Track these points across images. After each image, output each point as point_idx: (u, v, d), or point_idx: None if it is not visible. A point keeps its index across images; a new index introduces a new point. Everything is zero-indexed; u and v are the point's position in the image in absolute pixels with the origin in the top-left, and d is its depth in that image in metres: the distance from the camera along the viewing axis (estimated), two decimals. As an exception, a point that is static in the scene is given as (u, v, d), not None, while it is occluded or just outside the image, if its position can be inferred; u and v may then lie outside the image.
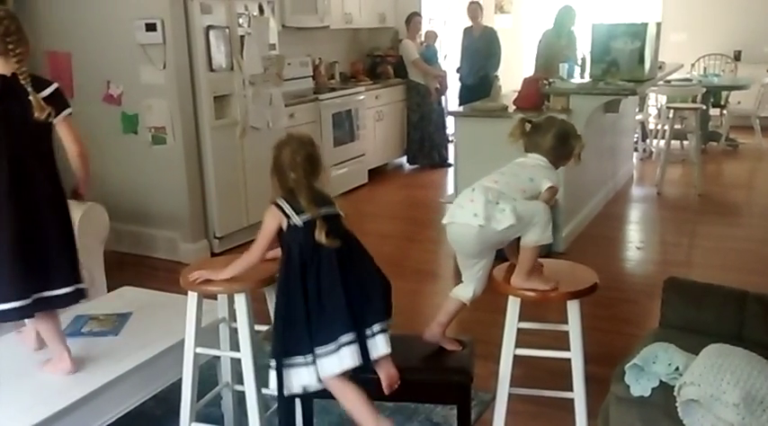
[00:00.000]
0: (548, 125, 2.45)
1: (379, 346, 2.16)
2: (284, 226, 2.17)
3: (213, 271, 2.28)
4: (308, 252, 2.15)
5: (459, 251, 2.38)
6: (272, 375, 2.16)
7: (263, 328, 2.46)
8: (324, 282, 2.14)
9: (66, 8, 5.00)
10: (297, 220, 2.16)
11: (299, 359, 2.13)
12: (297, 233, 2.16)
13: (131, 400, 2.50)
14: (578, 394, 2.37)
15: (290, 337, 2.14)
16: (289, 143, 2.22)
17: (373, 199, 6.80)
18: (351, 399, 2.18)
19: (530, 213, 2.24)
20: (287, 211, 2.17)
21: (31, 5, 5.13)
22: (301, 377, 2.14)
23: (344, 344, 2.10)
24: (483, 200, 2.24)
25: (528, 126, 2.44)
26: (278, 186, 2.22)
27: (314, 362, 2.13)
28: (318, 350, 2.12)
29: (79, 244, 3.64)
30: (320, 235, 2.13)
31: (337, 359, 2.10)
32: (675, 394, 1.95)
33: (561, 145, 2.41)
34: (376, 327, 2.17)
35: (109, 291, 3.53)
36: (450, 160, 7.38)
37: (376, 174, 7.47)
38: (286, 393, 2.17)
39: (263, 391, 2.32)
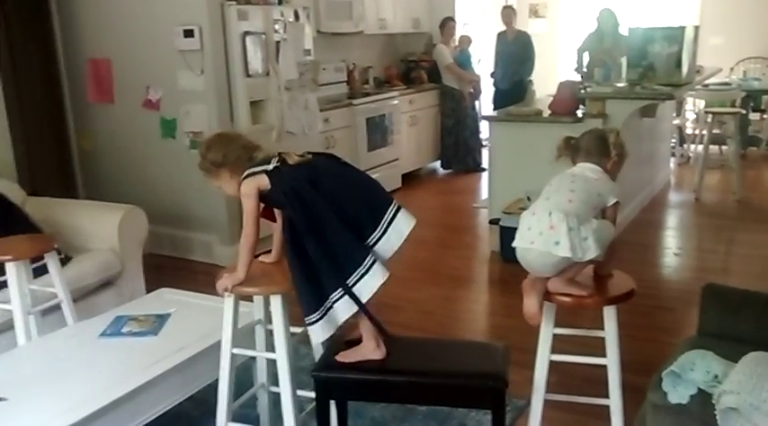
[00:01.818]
0: (586, 133, 2.51)
1: (403, 224, 2.27)
2: (265, 184, 2.20)
3: (230, 275, 2.28)
4: (299, 183, 2.17)
5: (534, 273, 2.31)
6: (314, 329, 2.16)
7: (299, 330, 2.48)
8: (331, 196, 2.17)
9: (106, 16, 5.11)
10: (270, 166, 2.21)
11: (337, 292, 2.15)
12: (278, 176, 2.19)
13: (169, 400, 2.54)
14: (614, 401, 2.35)
15: (322, 278, 2.15)
16: (222, 138, 2.34)
17: (407, 204, 6.67)
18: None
19: (606, 238, 2.23)
20: (257, 170, 2.21)
21: (73, 14, 5.26)
22: (343, 310, 2.17)
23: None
24: (565, 229, 2.18)
25: (572, 141, 2.48)
26: (232, 173, 2.26)
27: (353, 286, 2.16)
28: (357, 272, 2.15)
29: (120, 247, 3.76)
30: (292, 158, 2.22)
31: (372, 276, 2.17)
32: (714, 402, 1.93)
33: (601, 142, 2.44)
34: (392, 211, 2.25)
35: (147, 293, 3.60)
36: (485, 165, 7.36)
37: (410, 179, 7.48)
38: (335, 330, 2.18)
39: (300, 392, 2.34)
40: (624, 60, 6.31)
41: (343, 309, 2.17)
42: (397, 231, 2.25)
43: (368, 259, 2.16)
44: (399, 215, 2.27)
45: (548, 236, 2.19)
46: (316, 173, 2.22)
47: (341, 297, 2.16)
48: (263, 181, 2.21)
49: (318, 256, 2.15)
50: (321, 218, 2.15)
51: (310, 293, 2.17)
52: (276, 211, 2.37)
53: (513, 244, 2.32)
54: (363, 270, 2.16)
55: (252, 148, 2.29)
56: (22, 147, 4.93)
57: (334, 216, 2.15)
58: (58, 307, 3.14)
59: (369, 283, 2.17)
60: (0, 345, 3.04)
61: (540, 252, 2.21)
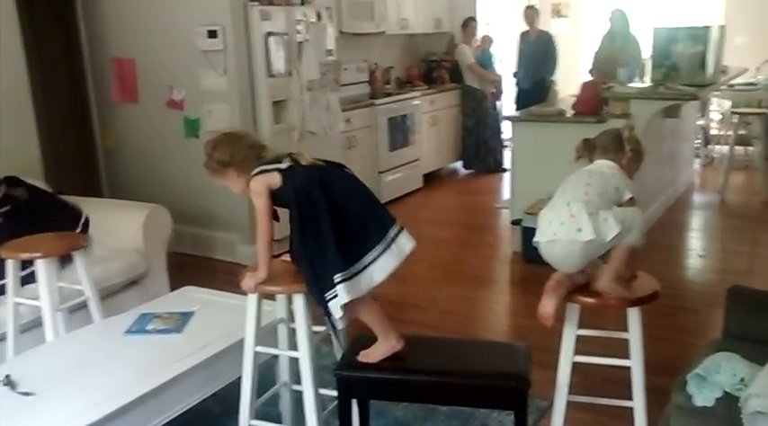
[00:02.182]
0: (602, 132, 2.56)
1: (405, 243, 2.29)
2: (276, 182, 2.22)
3: (253, 275, 2.30)
4: (310, 183, 2.20)
5: (561, 267, 2.32)
6: (333, 305, 2.19)
7: (321, 328, 2.49)
8: (341, 195, 2.22)
9: (130, 16, 5.16)
10: (283, 165, 2.24)
11: (355, 266, 2.19)
12: (292, 175, 2.22)
13: (193, 397, 2.56)
14: (638, 402, 2.33)
15: (338, 257, 2.17)
16: (230, 137, 2.35)
17: (428, 204, 6.81)
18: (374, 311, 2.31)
19: (629, 217, 2.24)
20: (270, 168, 2.24)
21: (98, 14, 5.32)
22: (371, 276, 2.21)
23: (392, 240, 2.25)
24: (586, 215, 2.21)
25: (589, 142, 2.52)
26: (240, 171, 2.28)
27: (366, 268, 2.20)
28: (371, 255, 2.21)
29: (144, 245, 3.80)
30: (305, 159, 2.25)
31: (385, 260, 2.22)
32: (740, 405, 1.91)
33: (615, 138, 2.48)
34: (395, 229, 2.28)
35: (171, 291, 3.63)
36: (506, 165, 7.34)
37: (431, 179, 7.47)
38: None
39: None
40: (640, 61, 6.31)
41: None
42: (399, 248, 2.28)
43: (353, 268, 2.19)
44: (402, 234, 2.31)
45: (569, 225, 2.22)
46: (327, 177, 2.26)
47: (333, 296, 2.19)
48: (275, 180, 2.23)
49: (314, 252, 2.20)
50: (320, 220, 2.19)
51: (318, 280, 2.21)
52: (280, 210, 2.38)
53: (535, 240, 2.34)
54: (348, 276, 2.18)
55: (259, 148, 2.31)
56: (48, 146, 5.00)
57: (334, 220, 2.19)
58: (84, 305, 3.18)
59: (355, 287, 2.19)
60: (29, 341, 3.08)
61: (563, 242, 2.23)
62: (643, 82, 5.59)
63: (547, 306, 2.28)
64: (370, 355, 2.30)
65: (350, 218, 2.22)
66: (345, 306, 2.18)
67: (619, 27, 6.74)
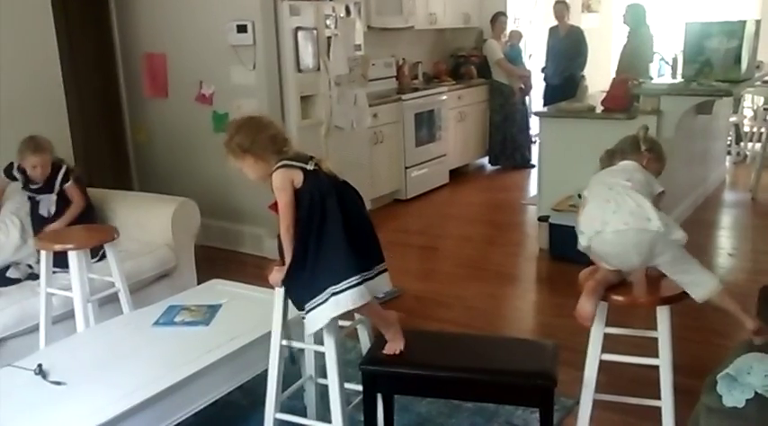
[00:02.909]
0: (624, 138, 2.59)
1: (385, 283, 2.32)
2: (299, 180, 2.23)
3: (280, 269, 2.31)
4: (329, 191, 2.23)
5: (620, 261, 2.28)
6: (311, 317, 2.23)
7: (347, 323, 2.50)
8: (351, 213, 2.25)
9: (162, 12, 5.22)
10: (309, 167, 2.25)
11: (346, 282, 2.19)
12: (315, 179, 2.23)
13: (219, 389, 2.59)
14: (666, 402, 2.31)
15: (332, 268, 2.20)
16: (252, 122, 2.35)
17: (454, 200, 6.79)
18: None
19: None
20: (296, 164, 2.24)
21: (130, 10, 5.39)
22: (353, 297, 2.20)
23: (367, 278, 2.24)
24: (650, 205, 2.22)
25: (609, 151, 2.58)
26: (261, 161, 2.28)
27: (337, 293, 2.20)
28: (344, 283, 2.20)
29: (173, 238, 3.85)
30: (326, 166, 2.27)
31: (358, 293, 2.20)
32: (771, 407, 1.88)
33: (632, 140, 2.54)
34: (383, 266, 2.31)
35: (199, 283, 3.67)
36: (533, 161, 7.28)
37: (457, 175, 7.45)
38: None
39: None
40: (655, 56, 6.25)
41: (329, 308, 2.21)
42: (381, 283, 2.31)
43: (357, 277, 2.20)
44: (385, 275, 2.34)
45: (638, 214, 2.21)
46: (343, 192, 2.28)
47: (326, 300, 2.21)
48: (298, 178, 2.24)
49: (315, 257, 2.22)
50: (329, 230, 2.21)
51: (306, 285, 2.23)
52: None
53: (596, 230, 2.25)
54: (349, 284, 2.19)
55: (281, 141, 2.31)
56: (80, 141, 5.08)
57: (344, 231, 2.20)
58: (115, 297, 3.23)
59: (351, 297, 2.20)
60: (60, 331, 3.14)
61: (635, 230, 2.21)
62: (674, 78, 5.52)
63: (587, 306, 2.26)
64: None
65: (353, 238, 2.23)
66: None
67: (632, 23, 6.67)
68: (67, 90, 4.68)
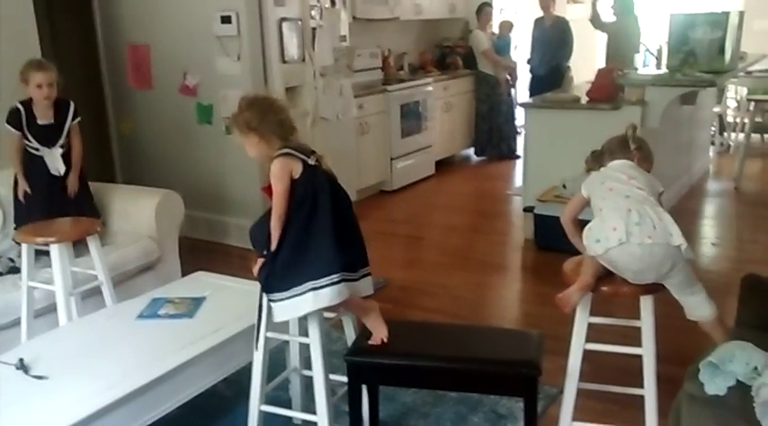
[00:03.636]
0: (607, 141, 2.57)
1: (368, 286, 2.34)
2: (298, 171, 2.23)
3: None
4: (323, 187, 2.25)
5: (640, 275, 2.27)
6: (279, 307, 2.25)
7: (332, 315, 2.50)
8: (342, 213, 2.27)
9: (145, 2, 5.16)
10: (310, 160, 2.26)
11: (327, 279, 2.20)
12: (313, 174, 2.25)
13: (204, 381, 2.57)
14: (649, 390, 2.33)
15: (316, 261, 2.21)
16: (259, 100, 2.34)
17: (440, 190, 6.79)
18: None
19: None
20: (299, 155, 2.25)
21: (113, 0, 5.32)
22: (331, 295, 2.21)
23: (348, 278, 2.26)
24: (670, 219, 2.21)
25: (594, 153, 2.56)
26: (265, 144, 2.28)
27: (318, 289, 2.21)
28: (326, 280, 2.21)
29: (156, 230, 3.82)
30: (326, 164, 2.28)
31: (337, 291, 2.21)
32: (753, 394, 1.89)
33: (620, 139, 2.51)
34: (363, 270, 2.32)
35: (183, 275, 3.65)
36: (519, 152, 7.30)
37: (443, 166, 7.45)
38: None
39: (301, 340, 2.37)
40: (642, 46, 6.27)
41: (306, 302, 2.22)
42: (363, 287, 2.33)
43: (338, 276, 2.21)
44: (369, 278, 2.35)
45: (661, 228, 2.20)
46: (337, 192, 2.29)
47: (304, 293, 2.22)
48: (297, 168, 2.24)
49: (298, 250, 2.23)
50: (318, 224, 2.22)
51: (286, 275, 2.24)
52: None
53: (619, 240, 2.19)
54: (330, 282, 2.21)
55: (289, 129, 2.31)
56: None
57: (332, 229, 2.22)
58: (98, 289, 3.20)
59: (329, 295, 2.21)
60: (43, 325, 3.11)
61: (660, 245, 2.19)
62: (658, 68, 5.54)
63: (575, 298, 2.28)
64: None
65: (340, 237, 2.24)
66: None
67: (618, 11, 6.70)
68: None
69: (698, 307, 2.40)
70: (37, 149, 3.52)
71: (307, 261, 2.22)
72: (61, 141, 3.55)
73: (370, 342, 2.35)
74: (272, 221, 2.26)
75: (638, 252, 2.20)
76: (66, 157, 3.59)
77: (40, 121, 3.50)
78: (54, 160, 3.54)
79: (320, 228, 2.23)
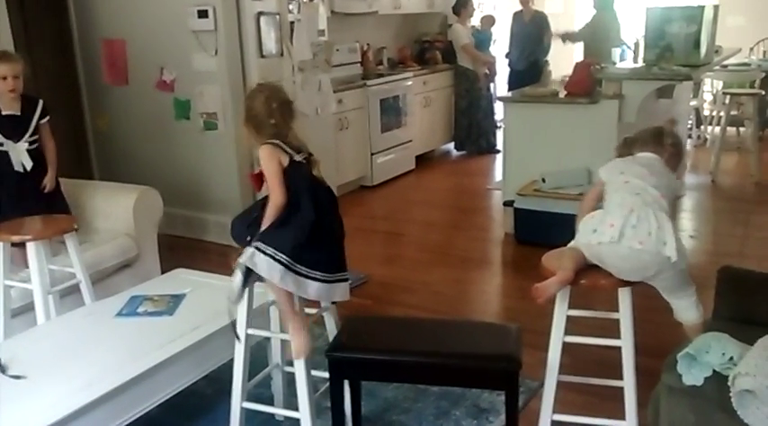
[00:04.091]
0: (646, 128, 2.57)
1: (343, 292, 2.31)
2: (285, 162, 2.24)
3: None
4: (312, 187, 2.26)
5: (624, 273, 2.28)
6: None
7: (313, 311, 2.50)
8: (328, 216, 2.28)
9: (120, -4, 5.11)
10: (298, 156, 2.27)
11: (274, 251, 2.18)
12: (299, 169, 2.25)
13: (184, 379, 2.56)
14: (628, 382, 2.35)
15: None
16: (261, 91, 2.33)
17: (420, 185, 6.80)
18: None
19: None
20: (286, 149, 2.26)
21: (88, -6, 5.26)
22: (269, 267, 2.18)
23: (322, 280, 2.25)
24: (671, 228, 2.20)
25: (627, 139, 2.55)
26: (256, 134, 2.30)
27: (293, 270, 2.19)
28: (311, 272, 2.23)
29: (134, 228, 3.79)
30: (318, 171, 2.28)
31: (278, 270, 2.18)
32: (729, 384, 1.92)
33: (655, 131, 2.51)
34: (340, 275, 2.31)
35: (162, 273, 3.63)
36: (499, 147, 7.32)
37: (423, 161, 7.46)
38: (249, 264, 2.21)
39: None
40: (623, 41, 6.32)
41: (263, 266, 2.18)
42: (336, 291, 2.30)
43: (288, 259, 2.19)
44: (345, 284, 2.33)
45: (657, 236, 2.19)
46: (319, 196, 2.28)
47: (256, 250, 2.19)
48: (284, 160, 2.26)
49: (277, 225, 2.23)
50: (300, 218, 2.23)
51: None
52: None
53: (610, 237, 2.20)
54: (275, 257, 2.19)
55: (283, 134, 2.30)
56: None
57: (311, 226, 2.22)
58: (76, 288, 3.17)
59: (268, 266, 2.18)
60: (20, 325, 3.08)
61: (649, 252, 2.19)
62: (635, 62, 5.59)
63: (552, 289, 2.28)
64: (296, 343, 2.31)
65: (316, 238, 2.23)
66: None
67: (597, 5, 6.75)
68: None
69: (683, 311, 2.45)
70: (1, 144, 3.38)
71: (278, 234, 2.22)
72: (27, 137, 3.42)
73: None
74: (268, 210, 2.25)
75: (626, 254, 2.21)
76: (37, 157, 3.48)
77: (4, 112, 3.37)
78: (18, 154, 3.39)
79: (300, 223, 2.23)
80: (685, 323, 2.47)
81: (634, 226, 2.21)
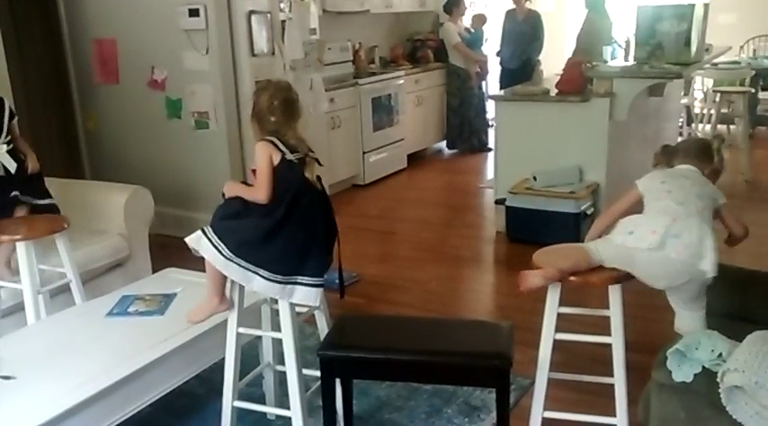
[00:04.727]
0: (690, 138, 2.53)
1: (311, 297, 2.29)
2: (276, 160, 2.26)
3: None
4: (297, 187, 2.26)
5: (644, 278, 2.28)
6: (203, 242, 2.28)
7: (304, 309, 2.49)
8: (308, 219, 2.28)
9: (111, -5, 5.09)
10: (291, 156, 2.28)
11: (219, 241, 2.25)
12: (291, 168, 2.26)
13: (176, 378, 2.55)
14: (619, 379, 2.35)
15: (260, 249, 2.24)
16: (266, 88, 2.36)
17: (412, 184, 6.80)
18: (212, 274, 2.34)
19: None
20: (280, 147, 2.27)
21: (78, -7, 5.24)
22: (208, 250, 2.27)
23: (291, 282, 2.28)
24: (712, 244, 2.18)
25: (669, 148, 2.53)
26: (258, 130, 2.35)
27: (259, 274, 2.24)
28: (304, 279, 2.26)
29: (126, 227, 3.77)
30: (311, 174, 2.28)
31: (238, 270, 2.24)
32: (718, 380, 1.93)
33: (703, 146, 2.48)
34: (307, 279, 2.28)
35: (154, 272, 3.62)
36: (490, 145, 7.33)
37: (415, 159, 7.46)
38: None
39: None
40: (614, 40, 6.34)
41: (207, 253, 2.28)
42: (297, 293, 2.29)
43: (230, 252, 2.24)
44: (313, 289, 2.30)
45: (695, 249, 2.18)
46: (299, 200, 2.26)
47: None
48: (276, 157, 2.27)
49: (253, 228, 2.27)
50: (271, 217, 2.25)
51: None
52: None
53: (649, 245, 2.20)
54: (216, 242, 2.26)
55: (281, 133, 2.32)
56: (28, 128, 4.93)
57: (288, 225, 2.25)
58: (67, 288, 3.16)
59: (208, 249, 2.26)
60: (10, 324, 3.06)
61: (684, 263, 2.19)
62: (626, 60, 5.60)
63: (535, 280, 2.28)
64: (195, 313, 2.42)
65: (276, 238, 2.24)
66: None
67: (589, 5, 6.76)
68: (13, 75, 4.54)
69: (688, 322, 2.37)
70: None
71: (241, 226, 2.27)
72: (3, 139, 3.33)
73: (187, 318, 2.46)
74: (255, 193, 2.28)
75: (661, 262, 2.21)
76: (16, 157, 3.40)
77: None
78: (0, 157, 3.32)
79: (255, 221, 2.26)
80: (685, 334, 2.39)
81: (675, 235, 2.19)
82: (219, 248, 2.24)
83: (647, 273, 2.26)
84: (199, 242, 2.27)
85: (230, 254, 2.23)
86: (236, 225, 2.29)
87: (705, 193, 2.31)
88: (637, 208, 2.42)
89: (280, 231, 2.24)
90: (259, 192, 2.28)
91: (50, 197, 3.48)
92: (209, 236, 2.26)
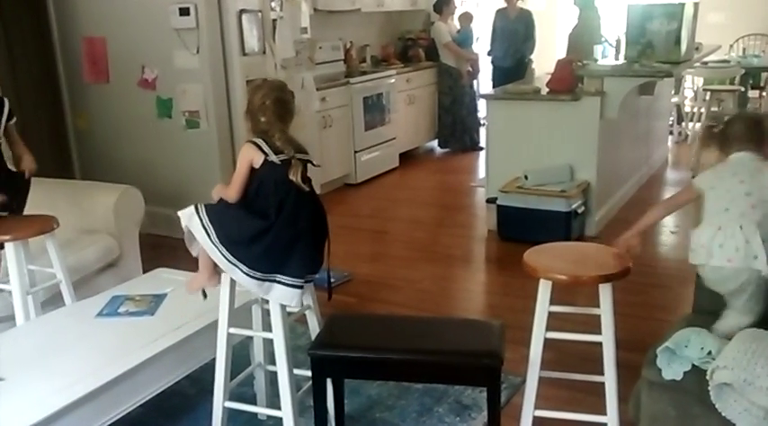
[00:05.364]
0: (733, 118, 2.43)
1: (290, 297, 2.28)
2: (258, 162, 2.26)
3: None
4: (283, 189, 2.26)
5: (719, 286, 2.29)
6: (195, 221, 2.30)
7: (295, 309, 2.49)
8: (294, 220, 2.27)
9: (101, -7, 5.06)
10: (274, 157, 2.27)
11: (213, 233, 2.26)
12: (273, 169, 2.26)
13: (166, 379, 2.54)
14: (609, 377, 2.36)
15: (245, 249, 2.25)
16: (261, 87, 2.37)
17: (404, 183, 6.80)
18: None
19: None
20: (264, 148, 2.27)
21: (68, -9, 5.21)
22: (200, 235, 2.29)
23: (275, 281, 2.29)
24: (760, 241, 2.15)
25: (714, 129, 2.44)
26: (250, 129, 2.36)
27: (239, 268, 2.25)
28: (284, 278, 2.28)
29: (116, 227, 3.76)
30: (295, 175, 2.26)
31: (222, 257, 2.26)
32: (708, 378, 1.94)
33: (756, 127, 2.35)
34: (290, 279, 2.28)
35: (144, 272, 3.60)
36: (482, 144, 7.34)
37: (407, 158, 7.46)
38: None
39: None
40: (603, 39, 6.37)
41: (198, 234, 2.30)
42: (274, 293, 2.29)
43: (216, 243, 2.27)
44: (294, 290, 2.29)
45: (745, 251, 2.16)
46: (284, 202, 2.26)
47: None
48: (258, 159, 2.27)
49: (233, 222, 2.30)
50: (251, 216, 2.27)
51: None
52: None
53: (699, 262, 2.24)
54: (208, 231, 2.27)
55: (270, 133, 2.32)
56: (17, 127, 4.90)
57: (270, 227, 2.25)
58: (56, 288, 3.14)
59: (199, 235, 2.29)
60: (0, 327, 3.04)
61: (736, 269, 2.18)
62: (617, 59, 5.62)
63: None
64: (189, 284, 2.52)
65: (259, 239, 2.25)
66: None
67: (579, 4, 6.79)
68: (2, 76, 4.52)
69: (731, 325, 2.24)
70: None
71: (230, 220, 2.29)
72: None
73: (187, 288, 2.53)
74: (227, 192, 2.31)
75: (716, 269, 2.23)
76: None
77: None
78: None
79: (247, 221, 2.27)
80: (723, 332, 2.26)
81: (721, 245, 2.19)
82: (208, 231, 2.26)
83: (710, 284, 2.30)
84: (190, 219, 2.30)
85: (217, 242, 2.26)
86: (229, 218, 2.29)
87: (755, 188, 2.21)
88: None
89: (267, 234, 2.25)
90: (230, 191, 2.30)
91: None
92: (201, 217, 2.28)
